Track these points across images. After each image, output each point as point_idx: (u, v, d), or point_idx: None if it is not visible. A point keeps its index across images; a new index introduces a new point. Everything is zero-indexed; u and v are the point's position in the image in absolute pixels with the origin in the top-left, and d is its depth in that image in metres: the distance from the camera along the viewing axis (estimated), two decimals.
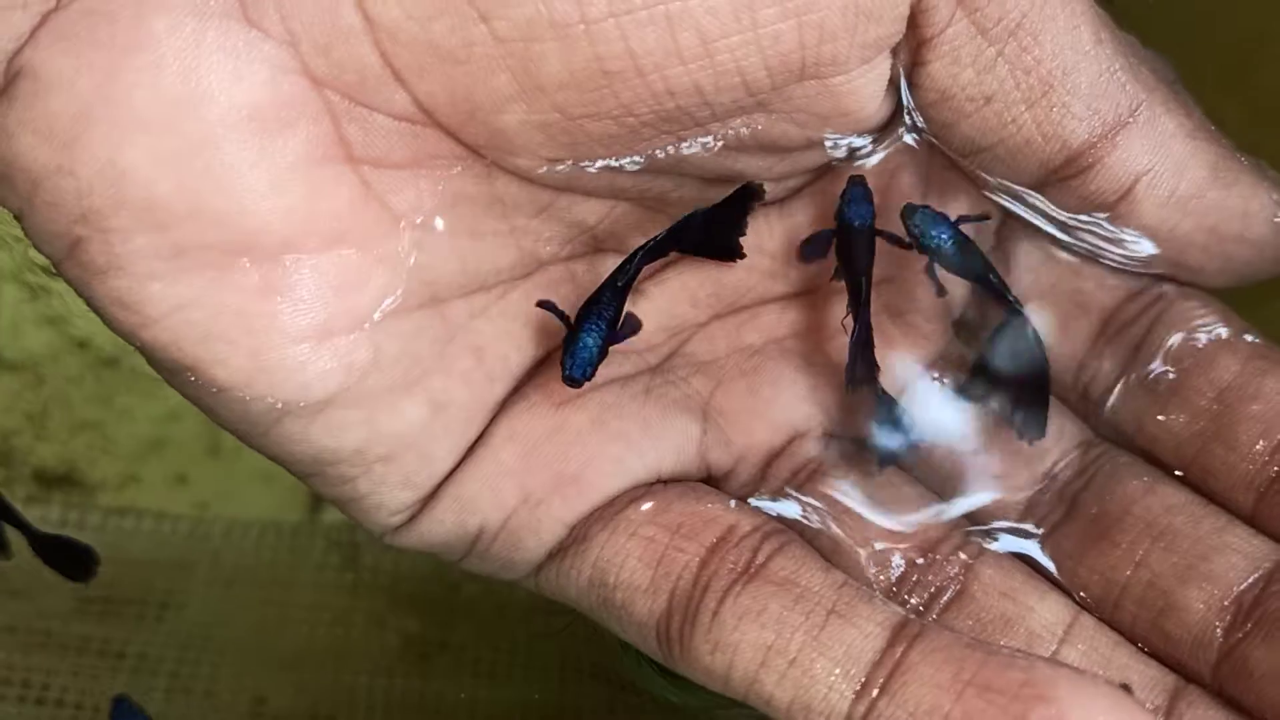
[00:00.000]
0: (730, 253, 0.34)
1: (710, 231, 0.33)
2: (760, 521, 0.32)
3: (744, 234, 0.34)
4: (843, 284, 0.34)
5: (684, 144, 0.31)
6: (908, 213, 0.33)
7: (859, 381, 0.33)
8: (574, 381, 0.32)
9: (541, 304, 0.33)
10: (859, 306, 0.33)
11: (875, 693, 0.27)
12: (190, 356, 0.29)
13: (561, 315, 0.33)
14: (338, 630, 0.49)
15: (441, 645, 0.49)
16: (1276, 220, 0.33)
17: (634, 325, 0.33)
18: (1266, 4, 0.38)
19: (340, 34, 0.28)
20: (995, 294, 0.33)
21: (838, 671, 0.28)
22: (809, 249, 0.35)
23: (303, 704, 0.47)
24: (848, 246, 0.33)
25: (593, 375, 0.32)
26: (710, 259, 0.35)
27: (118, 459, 0.51)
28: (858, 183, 0.33)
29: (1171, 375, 0.33)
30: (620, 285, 0.32)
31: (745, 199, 0.33)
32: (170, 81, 0.27)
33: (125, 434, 0.52)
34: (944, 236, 0.33)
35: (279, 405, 0.30)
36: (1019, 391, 0.34)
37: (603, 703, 0.47)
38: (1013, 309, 0.33)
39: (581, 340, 0.32)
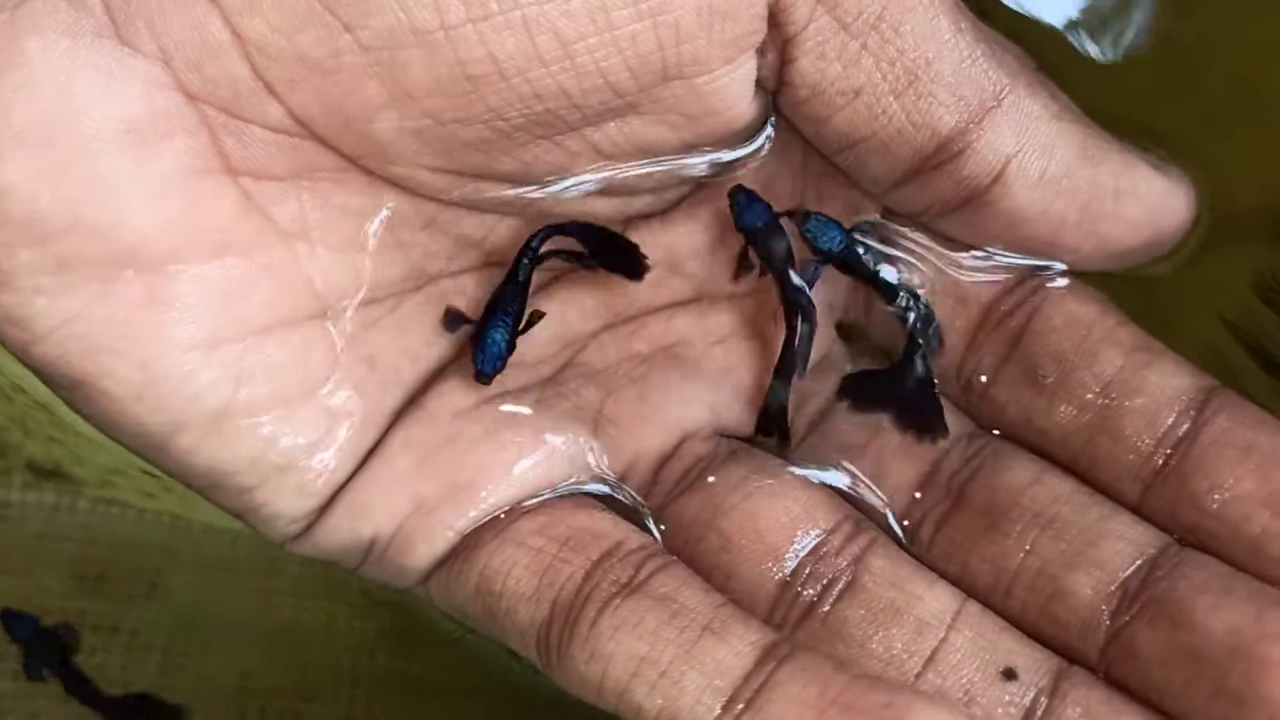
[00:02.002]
0: (634, 269, 0.35)
1: (613, 246, 0.34)
2: (647, 541, 0.33)
3: (644, 252, 0.35)
4: (759, 286, 0.35)
5: (560, 147, 0.31)
6: (801, 219, 0.34)
7: (782, 375, 0.34)
8: (485, 377, 0.33)
9: (448, 312, 0.34)
10: (791, 297, 0.34)
11: (741, 707, 0.28)
12: (79, 370, 0.29)
13: (463, 318, 0.34)
14: (320, 613, 0.50)
15: (423, 627, 0.50)
16: (1146, 199, 0.33)
17: (537, 316, 0.34)
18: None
19: (210, 50, 0.28)
20: (887, 293, 0.35)
21: (706, 685, 0.28)
22: (744, 265, 0.35)
23: (288, 681, 0.48)
24: (766, 248, 0.34)
25: (502, 368, 0.33)
26: (613, 272, 0.35)
27: (92, 468, 0.52)
28: (740, 190, 0.34)
29: (1055, 368, 0.33)
30: (521, 280, 0.33)
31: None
32: (45, 99, 0.28)
33: (90, 450, 0.53)
34: (836, 240, 0.34)
35: (171, 417, 0.30)
36: (908, 397, 0.35)
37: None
38: (906, 304, 0.34)
39: (490, 336, 0.33)
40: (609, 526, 0.33)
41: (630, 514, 0.34)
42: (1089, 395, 0.33)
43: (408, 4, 0.28)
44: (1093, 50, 0.37)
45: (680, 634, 0.29)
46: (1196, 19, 0.38)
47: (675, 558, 0.32)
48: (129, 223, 0.29)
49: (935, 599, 0.32)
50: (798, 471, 0.35)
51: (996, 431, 0.35)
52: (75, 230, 0.28)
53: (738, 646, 0.29)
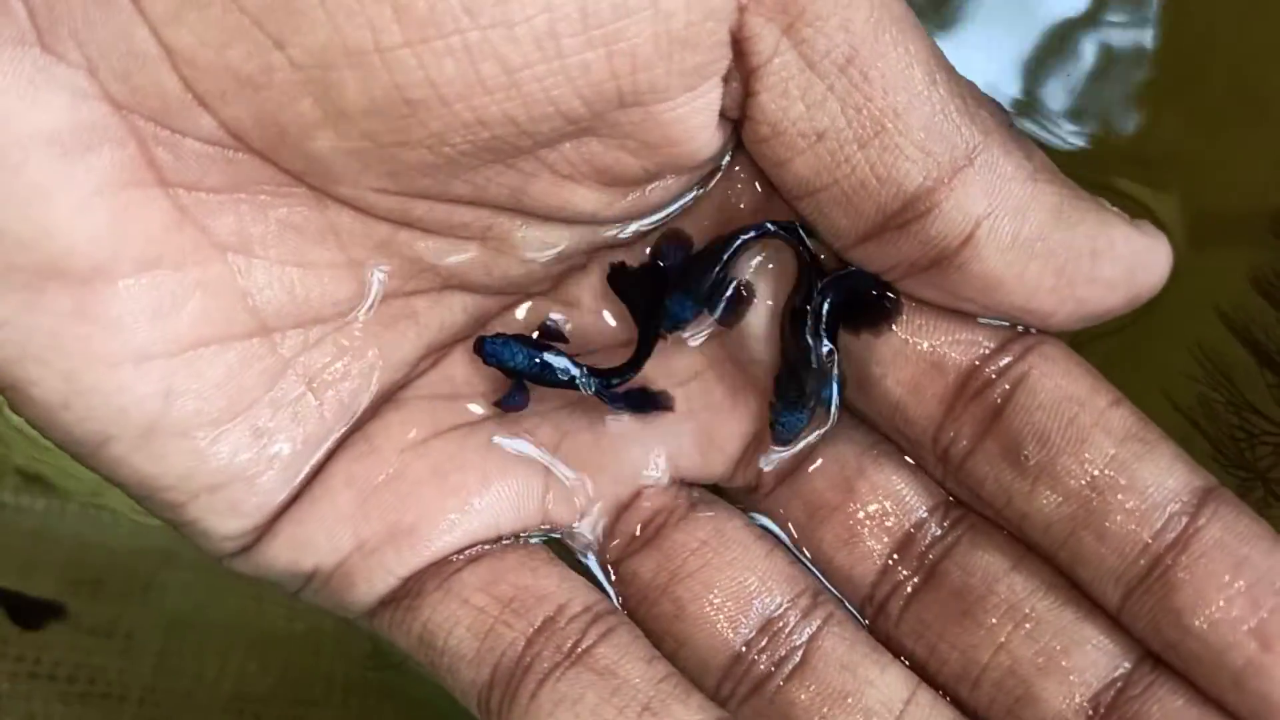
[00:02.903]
0: (658, 403, 0.34)
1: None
2: (592, 601, 0.32)
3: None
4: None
5: (513, 169, 0.30)
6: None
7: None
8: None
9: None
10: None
11: None
12: (8, 375, 0.29)
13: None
14: (315, 617, 0.50)
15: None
16: (1123, 259, 0.31)
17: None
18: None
19: (137, 60, 0.27)
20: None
21: None
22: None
23: (285, 685, 0.48)
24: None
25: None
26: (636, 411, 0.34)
27: (82, 480, 0.52)
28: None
29: (1039, 450, 0.32)
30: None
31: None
32: None
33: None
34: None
35: (99, 429, 0.29)
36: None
37: None
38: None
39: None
40: (554, 585, 0.32)
41: (579, 563, 0.34)
42: (1075, 485, 0.31)
43: (340, 22, 0.27)
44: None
45: (619, 714, 0.29)
46: (1197, 17, 0.38)
47: (622, 616, 0.32)
48: (54, 235, 0.28)
49: (886, 685, 0.32)
50: (759, 526, 0.34)
51: (973, 506, 0.34)
52: (0, 239, 0.28)
53: None
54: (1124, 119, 0.36)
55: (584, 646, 0.31)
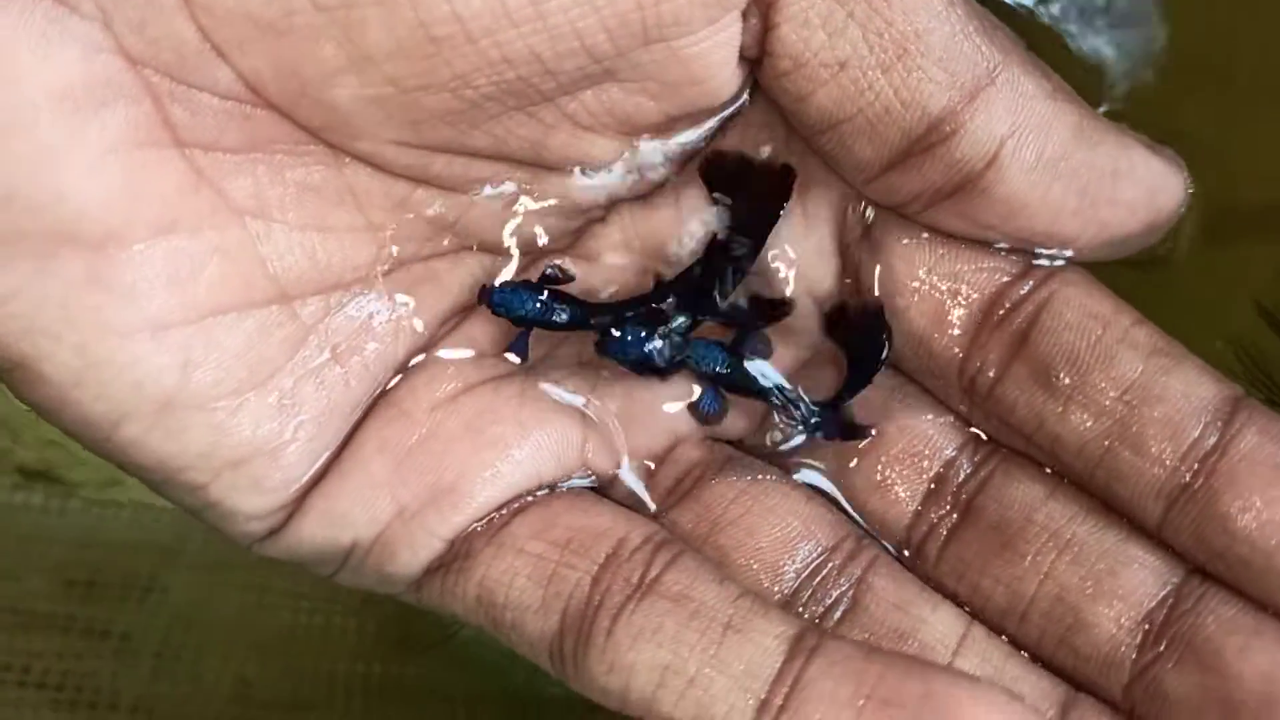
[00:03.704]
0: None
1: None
2: (651, 531, 0.31)
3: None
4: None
5: (534, 119, 0.30)
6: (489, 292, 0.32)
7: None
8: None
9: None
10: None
11: (776, 710, 0.27)
12: (16, 352, 0.28)
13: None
14: (319, 616, 0.49)
15: (422, 631, 0.50)
16: (1144, 180, 0.31)
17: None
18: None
19: (154, 9, 0.27)
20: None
21: (737, 689, 0.27)
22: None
23: (285, 688, 0.47)
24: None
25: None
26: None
27: (97, 468, 0.51)
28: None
29: (1069, 369, 0.32)
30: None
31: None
32: None
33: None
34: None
35: (114, 406, 0.29)
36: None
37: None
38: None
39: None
40: (609, 521, 0.31)
41: (627, 501, 0.33)
42: (1106, 401, 0.31)
43: None
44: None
45: (702, 636, 0.28)
46: (1218, 7, 0.37)
47: (682, 545, 0.31)
48: (67, 197, 0.27)
49: (940, 622, 0.32)
50: (796, 480, 0.34)
51: (1002, 438, 0.33)
52: (9, 203, 0.27)
53: (764, 643, 0.28)
54: (1143, 109, 0.35)
55: (652, 575, 0.30)
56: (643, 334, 0.33)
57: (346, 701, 0.48)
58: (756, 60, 0.30)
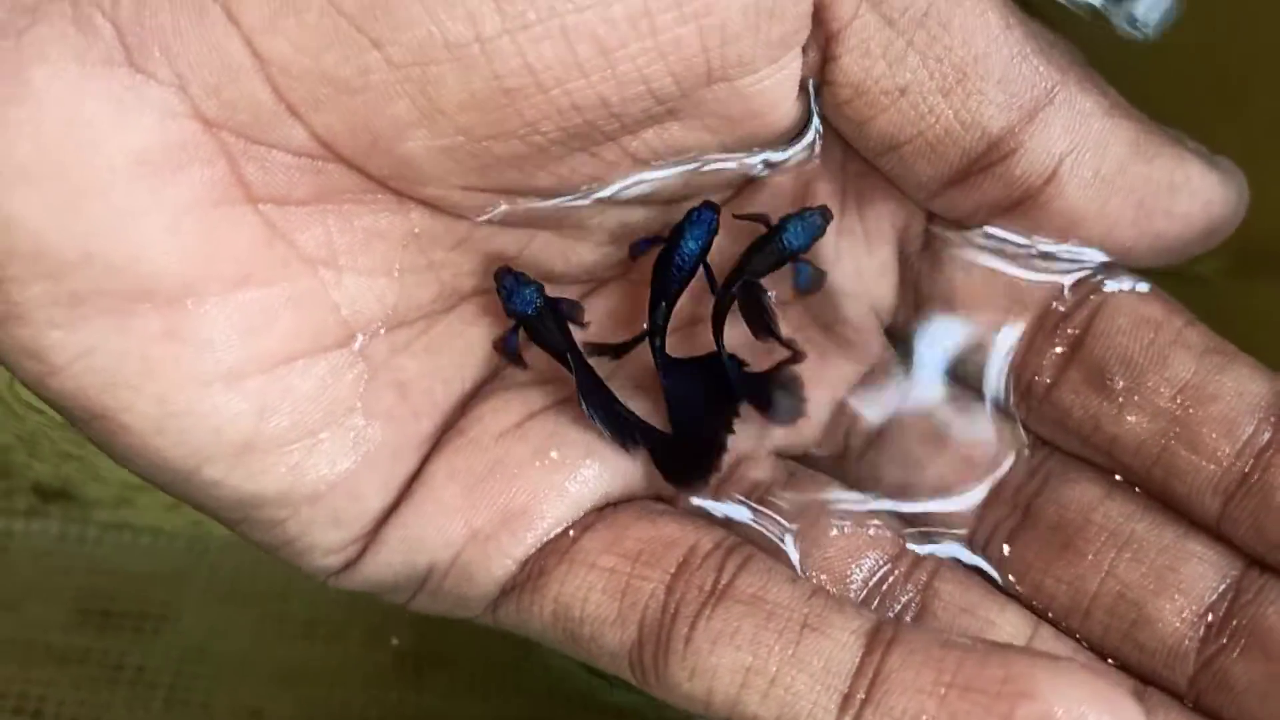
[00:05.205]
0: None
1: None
2: (720, 537, 0.32)
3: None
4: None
5: (596, 158, 0.30)
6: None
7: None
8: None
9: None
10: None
11: (859, 703, 0.28)
12: (97, 404, 0.29)
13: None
14: (334, 645, 0.49)
15: (436, 660, 0.49)
16: (1200, 193, 0.32)
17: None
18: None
19: (230, 73, 0.28)
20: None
21: (819, 686, 0.28)
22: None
23: (299, 719, 0.47)
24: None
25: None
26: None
27: (109, 485, 0.51)
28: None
29: (1124, 372, 0.32)
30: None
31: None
32: (52, 131, 0.27)
33: (109, 465, 0.52)
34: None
35: (194, 451, 0.29)
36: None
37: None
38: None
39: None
40: (677, 530, 0.32)
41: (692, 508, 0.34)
42: (1162, 402, 0.32)
43: (440, 17, 0.27)
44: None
45: (780, 636, 0.29)
46: (1240, 37, 0.37)
47: (750, 547, 0.31)
48: (144, 257, 0.28)
49: (1008, 623, 0.32)
50: (854, 496, 0.34)
51: (1058, 441, 0.34)
52: (88, 264, 0.27)
53: (841, 638, 0.28)
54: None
55: (725, 580, 0.30)
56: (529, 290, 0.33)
57: None
58: (816, 88, 0.31)
